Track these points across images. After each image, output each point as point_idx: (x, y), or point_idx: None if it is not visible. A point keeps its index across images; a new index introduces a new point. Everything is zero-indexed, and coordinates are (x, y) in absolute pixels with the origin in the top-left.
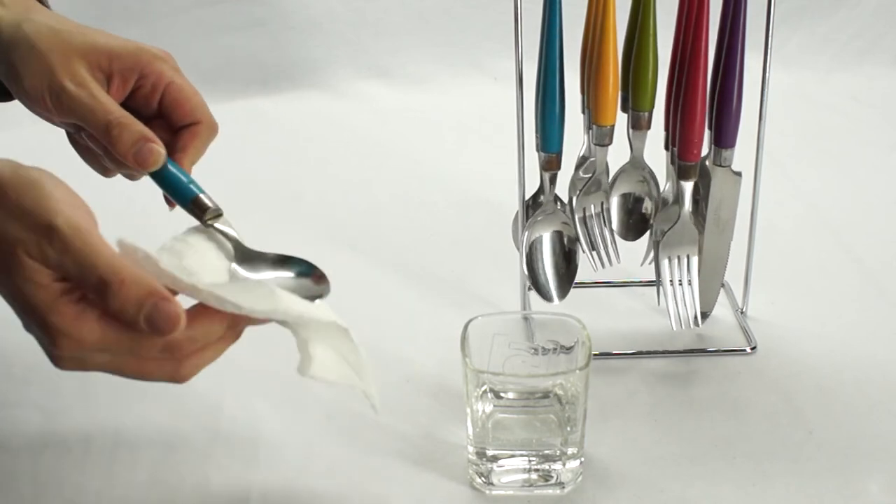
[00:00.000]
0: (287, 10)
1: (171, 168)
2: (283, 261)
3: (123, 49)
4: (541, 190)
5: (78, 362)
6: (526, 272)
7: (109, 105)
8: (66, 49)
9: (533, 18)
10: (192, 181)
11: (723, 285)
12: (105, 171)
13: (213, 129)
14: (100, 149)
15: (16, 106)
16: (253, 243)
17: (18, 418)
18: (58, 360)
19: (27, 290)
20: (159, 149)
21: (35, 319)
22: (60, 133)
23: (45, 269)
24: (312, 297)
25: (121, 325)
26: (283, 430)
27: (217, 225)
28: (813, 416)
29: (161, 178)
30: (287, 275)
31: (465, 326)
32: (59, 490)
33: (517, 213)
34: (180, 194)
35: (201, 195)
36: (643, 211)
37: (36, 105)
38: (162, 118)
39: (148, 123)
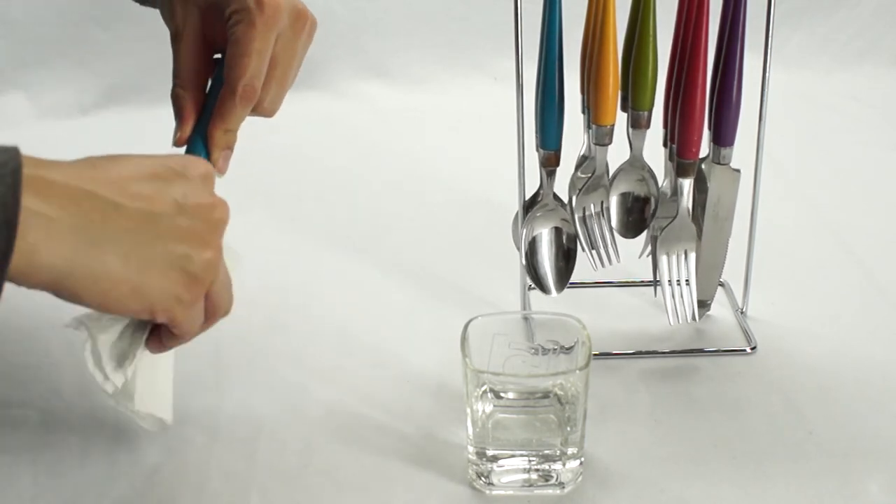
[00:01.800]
0: None
1: (199, 147)
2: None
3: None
4: (540, 188)
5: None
6: (525, 267)
7: (180, 68)
8: None
9: (533, 18)
10: None
11: (722, 285)
12: None
13: (238, 96)
14: None
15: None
16: (250, 243)
17: (18, 418)
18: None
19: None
20: (179, 133)
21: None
22: (60, 133)
23: None
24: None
25: None
26: (283, 430)
27: None
28: (813, 416)
29: (187, 151)
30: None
31: (465, 326)
32: (59, 490)
33: (517, 212)
34: None
35: None
36: (643, 210)
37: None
38: None
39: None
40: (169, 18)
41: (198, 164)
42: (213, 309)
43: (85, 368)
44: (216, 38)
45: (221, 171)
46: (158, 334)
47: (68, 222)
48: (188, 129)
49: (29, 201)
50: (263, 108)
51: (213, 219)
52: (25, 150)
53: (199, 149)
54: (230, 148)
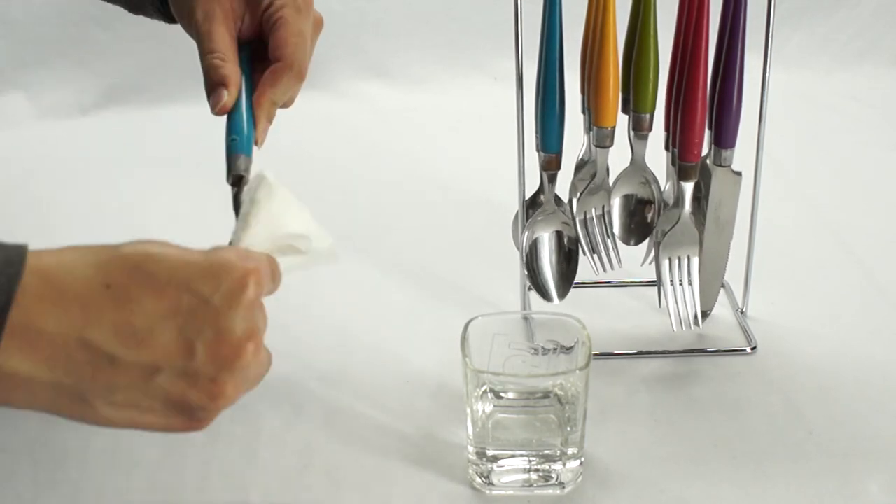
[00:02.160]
0: None
1: (241, 117)
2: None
3: None
4: (541, 190)
5: (257, 302)
6: (526, 272)
7: (217, 45)
8: None
9: (533, 18)
10: (245, 137)
11: (723, 285)
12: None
13: (294, 72)
14: None
15: (16, 105)
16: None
17: (18, 418)
18: (242, 313)
19: (193, 254)
20: (227, 98)
21: (214, 270)
22: (60, 133)
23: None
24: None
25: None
26: (283, 430)
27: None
28: (813, 416)
29: (229, 121)
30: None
31: (465, 326)
32: (59, 490)
33: (517, 213)
34: (227, 145)
35: (239, 155)
36: (645, 214)
37: (183, 24)
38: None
39: (266, 57)
40: (190, 7)
41: (244, 285)
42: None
43: None
44: (242, 29)
45: (261, 143)
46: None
47: (52, 379)
48: (235, 93)
49: (8, 360)
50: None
51: (231, 366)
52: (25, 151)
53: (240, 118)
54: (271, 122)
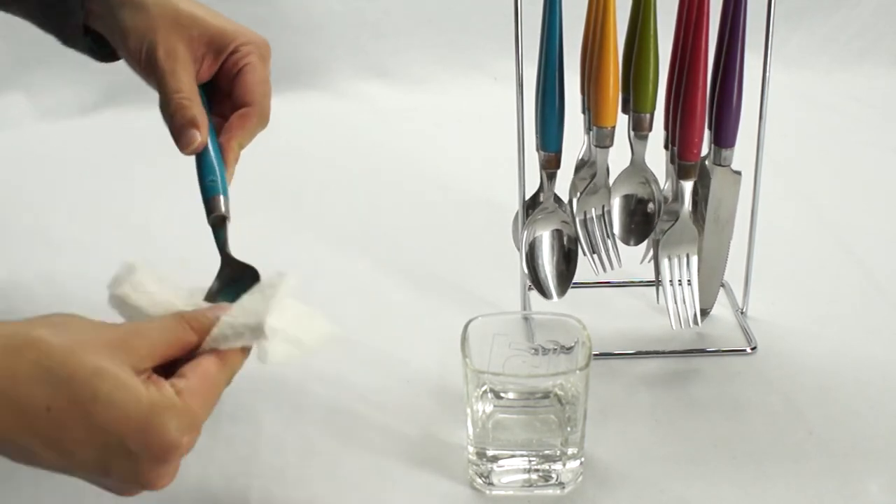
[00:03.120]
0: (287, 10)
1: (212, 158)
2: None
3: (222, 30)
4: (540, 189)
5: (182, 456)
6: (525, 271)
7: (182, 84)
8: (172, 20)
9: (533, 18)
10: (220, 178)
11: (723, 285)
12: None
13: (261, 117)
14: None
15: (16, 105)
16: (251, 243)
17: None
18: (165, 473)
19: (136, 401)
20: (199, 137)
21: (151, 430)
22: (60, 133)
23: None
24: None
25: (201, 381)
26: (283, 430)
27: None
28: (813, 416)
29: (199, 163)
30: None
31: (465, 326)
32: (59, 490)
33: (517, 212)
34: (204, 186)
35: (218, 196)
36: (646, 212)
37: (134, 63)
38: (231, 97)
39: (225, 100)
40: (152, 45)
41: (161, 443)
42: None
43: None
44: (200, 70)
45: (229, 182)
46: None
47: None
48: (206, 133)
49: None
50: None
51: (146, 487)
52: (25, 151)
53: (210, 159)
54: (236, 163)
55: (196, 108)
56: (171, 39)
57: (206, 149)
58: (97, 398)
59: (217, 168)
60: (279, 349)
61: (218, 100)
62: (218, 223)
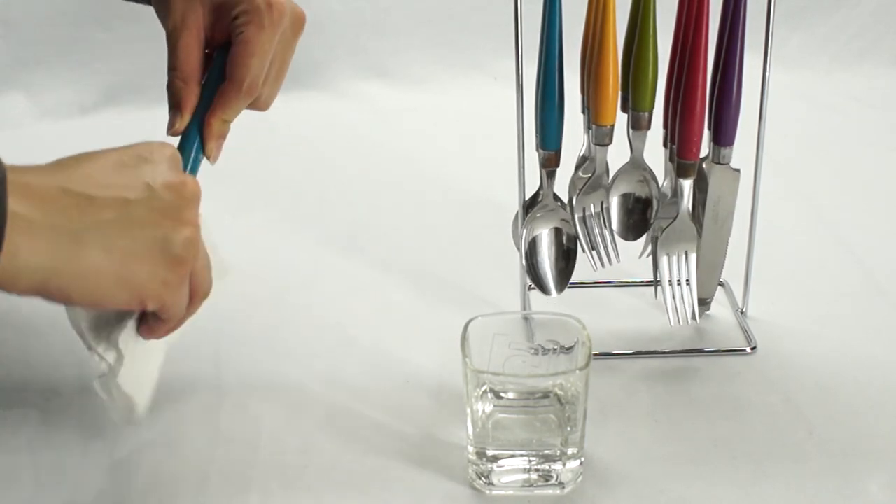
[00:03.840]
0: None
1: (190, 138)
2: None
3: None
4: (540, 188)
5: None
6: (525, 267)
7: (183, 61)
8: None
9: (533, 18)
10: (191, 158)
11: (722, 285)
12: None
13: (247, 91)
14: None
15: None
16: (252, 243)
17: (18, 418)
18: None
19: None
20: (178, 123)
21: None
22: (60, 133)
23: None
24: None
25: None
26: (283, 430)
27: None
28: (813, 416)
29: (181, 140)
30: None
31: (465, 326)
32: (59, 490)
33: (517, 212)
34: None
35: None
36: (643, 211)
37: (160, 16)
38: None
39: None
40: (166, 13)
41: (163, 148)
42: (196, 290)
43: (84, 367)
44: (214, 35)
45: (213, 159)
46: (147, 323)
47: (47, 221)
48: (187, 118)
49: (12, 204)
50: (260, 103)
51: (185, 195)
52: (25, 151)
53: (193, 137)
54: (223, 137)
55: (188, 90)
56: (189, 6)
57: (190, 127)
58: (86, 154)
59: (191, 148)
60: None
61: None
62: None
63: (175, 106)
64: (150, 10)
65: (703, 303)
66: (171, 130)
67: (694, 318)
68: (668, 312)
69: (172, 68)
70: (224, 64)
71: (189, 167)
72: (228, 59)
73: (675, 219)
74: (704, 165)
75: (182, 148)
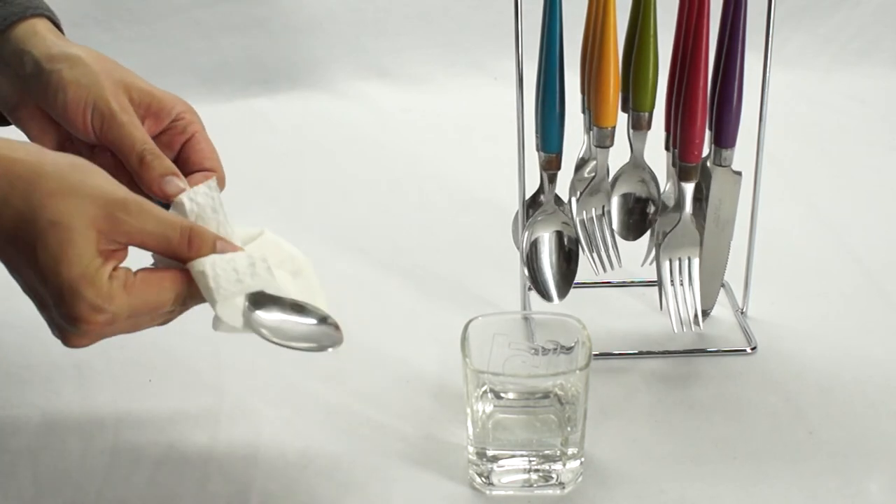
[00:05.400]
0: (287, 10)
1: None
2: (299, 308)
3: (163, 94)
4: (541, 190)
5: (95, 336)
6: (526, 272)
7: (147, 136)
8: (115, 76)
9: (533, 18)
10: None
11: (723, 285)
12: None
13: (222, 182)
14: (118, 170)
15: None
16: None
17: (18, 418)
18: (76, 336)
19: (68, 265)
20: (182, 184)
21: (64, 296)
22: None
23: (100, 240)
24: (328, 346)
25: (144, 287)
26: (283, 430)
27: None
28: (813, 416)
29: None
30: (309, 321)
31: (465, 326)
32: (59, 490)
33: (517, 213)
34: None
35: None
36: (644, 211)
37: (71, 118)
38: (177, 163)
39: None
40: (102, 98)
41: (69, 311)
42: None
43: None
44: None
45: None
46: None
47: None
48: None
49: None
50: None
51: (62, 337)
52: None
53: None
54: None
55: (165, 157)
56: (119, 95)
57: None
58: (46, 245)
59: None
60: (227, 312)
61: None
62: None
63: (169, 173)
64: (150, 11)
65: (704, 312)
66: (177, 193)
67: (697, 324)
68: (671, 318)
69: (143, 142)
70: None
71: None
72: (196, 156)
73: (677, 224)
74: (708, 163)
75: None
